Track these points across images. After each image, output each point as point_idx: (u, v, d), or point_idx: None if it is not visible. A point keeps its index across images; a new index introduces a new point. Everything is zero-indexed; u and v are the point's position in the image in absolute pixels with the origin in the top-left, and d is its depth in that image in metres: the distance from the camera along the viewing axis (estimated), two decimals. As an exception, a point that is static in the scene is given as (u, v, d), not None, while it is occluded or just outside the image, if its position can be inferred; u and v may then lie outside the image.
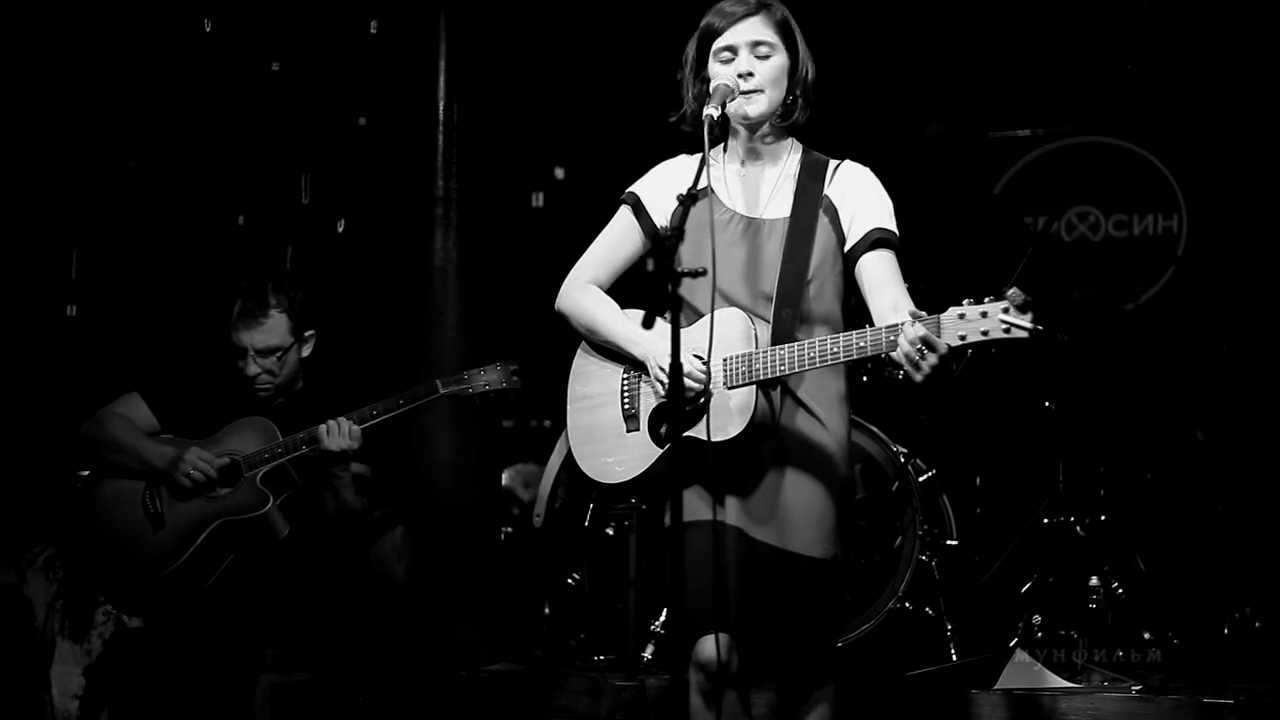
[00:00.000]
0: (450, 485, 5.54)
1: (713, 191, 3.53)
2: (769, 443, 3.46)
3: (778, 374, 3.37)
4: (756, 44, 3.47)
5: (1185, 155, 6.92)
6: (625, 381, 3.57)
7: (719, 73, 3.48)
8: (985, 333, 3.10)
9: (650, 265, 3.71)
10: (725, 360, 3.41)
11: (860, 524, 5.04)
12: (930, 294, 3.55)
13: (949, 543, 5.23)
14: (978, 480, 5.75)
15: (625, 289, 3.68)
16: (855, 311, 3.60)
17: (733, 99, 3.47)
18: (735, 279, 3.50)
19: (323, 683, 4.64)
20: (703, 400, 3.39)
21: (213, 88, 6.46)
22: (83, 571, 4.82)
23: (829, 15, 3.61)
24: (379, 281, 6.09)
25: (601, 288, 3.65)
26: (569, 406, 3.66)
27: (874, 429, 5.16)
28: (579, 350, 3.68)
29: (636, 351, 3.51)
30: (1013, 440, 5.81)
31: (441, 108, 5.66)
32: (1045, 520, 5.59)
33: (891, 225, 3.53)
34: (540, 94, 6.85)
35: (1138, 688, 4.57)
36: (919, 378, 3.18)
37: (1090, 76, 6.98)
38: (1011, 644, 5.00)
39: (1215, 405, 6.41)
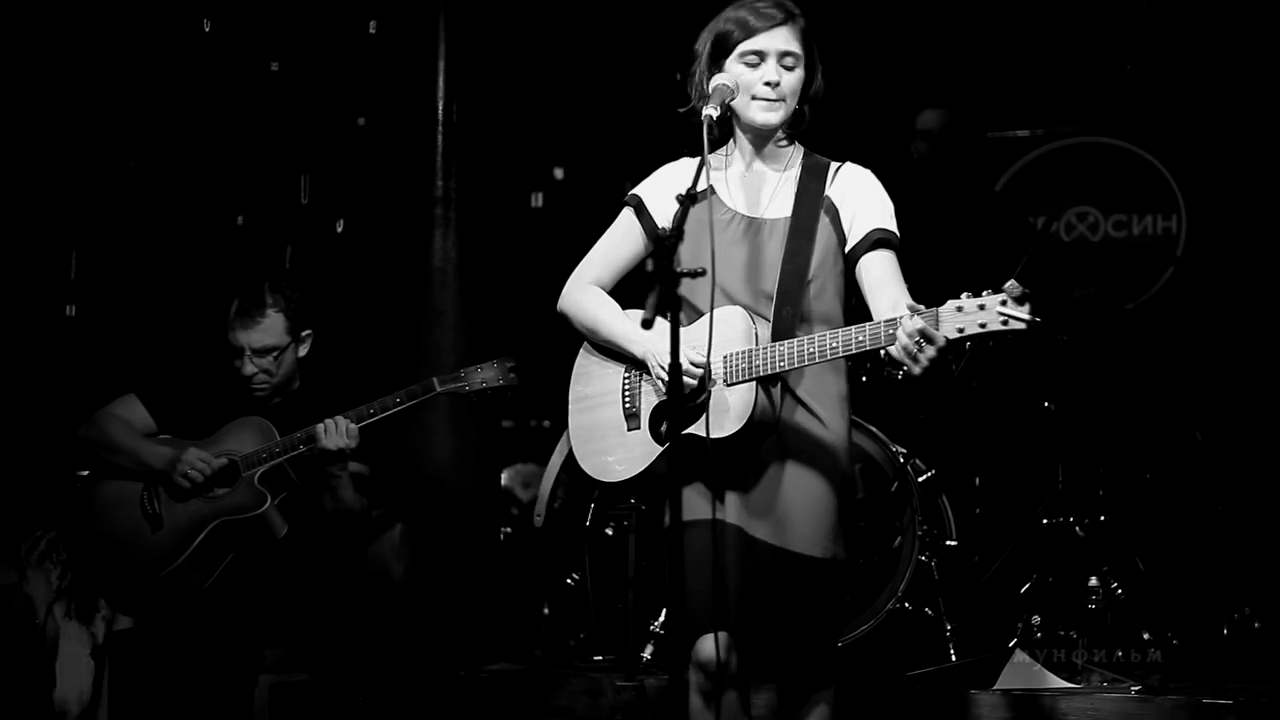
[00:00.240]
0: (449, 485, 5.54)
1: (714, 191, 3.55)
2: (769, 441, 3.47)
3: (778, 370, 3.38)
4: (785, 54, 3.48)
5: (1184, 156, 6.93)
6: (626, 380, 3.58)
7: (742, 75, 3.48)
8: (983, 325, 3.11)
9: (650, 265, 3.72)
10: (725, 357, 3.41)
11: (860, 524, 5.04)
12: (931, 292, 3.55)
13: (948, 543, 5.23)
14: (977, 480, 5.75)
15: (627, 289, 3.68)
16: (855, 312, 3.61)
17: (731, 99, 3.47)
18: (736, 278, 3.51)
19: (322, 683, 4.64)
20: (702, 398, 3.39)
21: (212, 88, 6.46)
22: (82, 566, 4.82)
23: (828, 15, 3.60)
24: (378, 281, 6.09)
25: (603, 288, 3.65)
26: (570, 407, 3.66)
27: (873, 429, 5.15)
28: (581, 351, 3.68)
29: (637, 351, 3.51)
30: (1012, 440, 5.81)
31: (441, 108, 5.66)
32: (1044, 520, 5.58)
33: (892, 226, 3.54)
34: (539, 94, 6.85)
35: (1137, 688, 4.57)
36: (917, 370, 3.19)
37: (1089, 77, 6.98)
38: (1011, 644, 5.00)
39: (1214, 405, 6.41)
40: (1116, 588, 5.34)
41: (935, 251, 4.40)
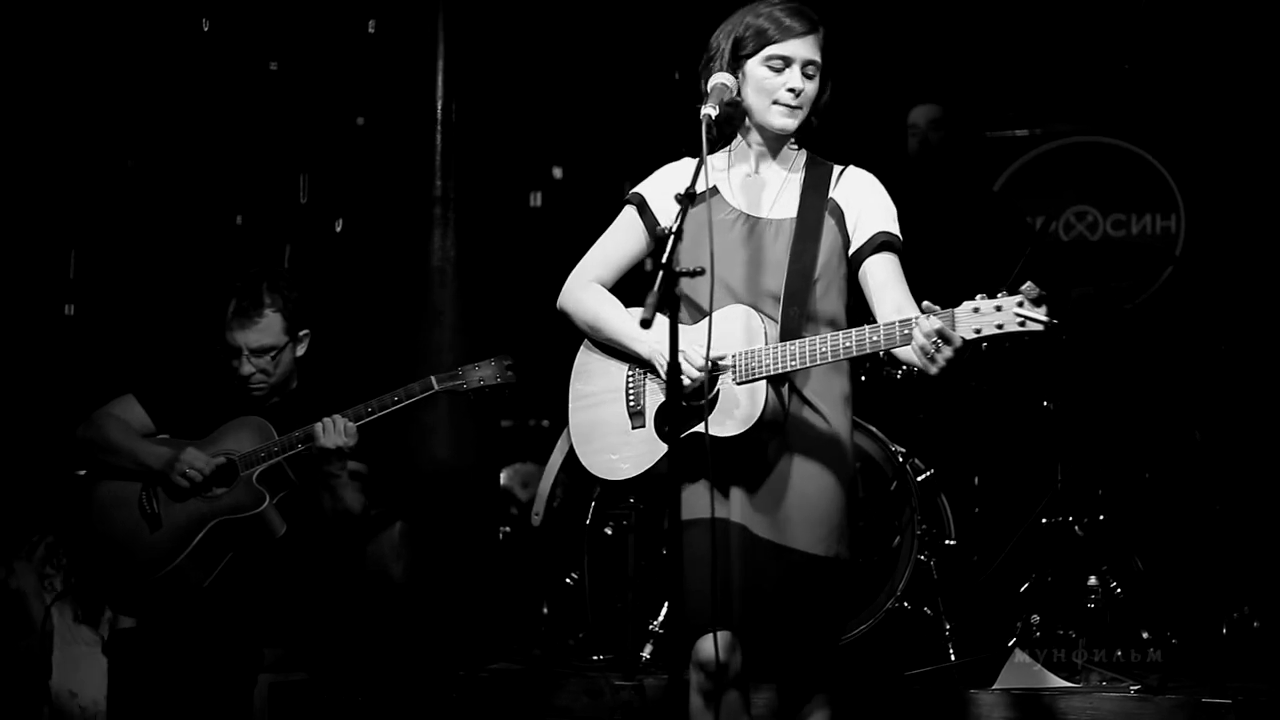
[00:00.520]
0: (448, 484, 5.54)
1: (718, 191, 3.57)
2: (776, 440, 3.47)
3: (789, 369, 3.39)
4: (808, 63, 3.50)
5: (1183, 155, 6.93)
6: (630, 378, 3.58)
7: (765, 79, 3.48)
8: (1000, 326, 3.13)
9: (649, 265, 3.72)
10: (734, 356, 3.42)
11: (859, 524, 5.04)
12: (927, 291, 3.55)
13: (947, 542, 5.23)
14: (976, 480, 5.74)
15: (626, 289, 3.68)
16: (855, 314, 3.61)
17: (729, 97, 3.47)
18: (741, 277, 3.52)
19: (321, 682, 4.64)
20: (709, 396, 3.39)
21: (211, 87, 6.46)
22: (82, 566, 4.82)
23: (827, 15, 3.60)
24: (377, 281, 6.10)
25: (604, 286, 3.65)
26: (571, 404, 3.66)
27: (872, 429, 5.15)
28: (581, 348, 3.68)
29: (642, 349, 3.51)
30: (1011, 440, 5.81)
31: (440, 107, 5.65)
32: (1044, 520, 5.59)
33: (896, 230, 3.57)
34: (538, 94, 6.85)
35: (1136, 687, 4.57)
36: (934, 370, 3.21)
37: (1088, 76, 6.98)
38: (1010, 644, 5.00)
39: (1213, 405, 6.41)
40: (1116, 587, 5.34)
41: (931, 251, 4.39)
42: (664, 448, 3.48)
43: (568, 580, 6.02)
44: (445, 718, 4.93)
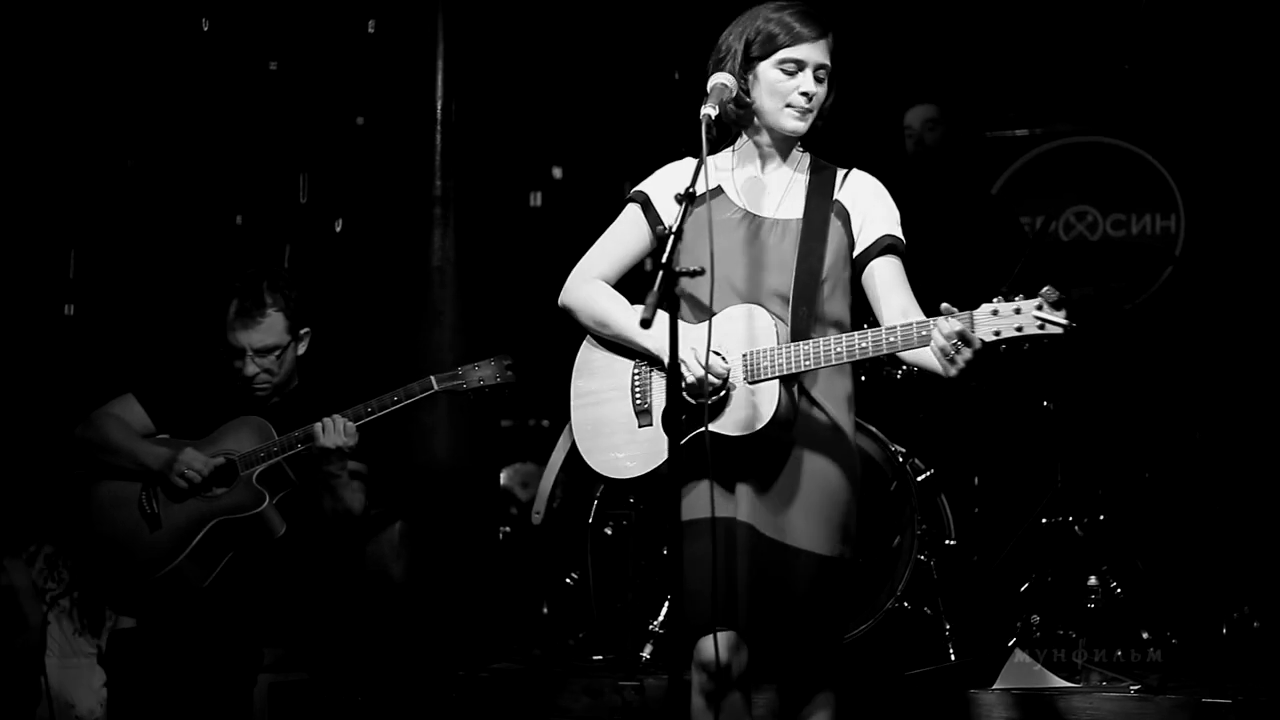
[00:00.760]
0: (448, 484, 5.54)
1: (722, 190, 3.58)
2: (784, 440, 3.47)
3: (803, 369, 3.39)
4: (820, 67, 3.51)
5: (1183, 155, 6.93)
6: (636, 376, 3.57)
7: (777, 82, 3.49)
8: (1019, 329, 3.15)
9: (649, 265, 3.71)
10: (746, 355, 3.42)
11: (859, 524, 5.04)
12: (924, 292, 3.56)
13: (947, 542, 5.23)
14: (976, 480, 5.75)
15: (629, 289, 3.67)
16: (857, 315, 3.62)
17: (729, 97, 3.48)
18: (746, 277, 3.52)
19: (321, 682, 4.63)
20: (719, 396, 3.39)
21: (210, 87, 6.46)
22: (81, 566, 4.82)
23: (827, 14, 3.61)
24: (377, 281, 6.10)
25: (608, 284, 3.65)
26: (574, 401, 3.64)
27: (872, 429, 5.15)
28: (584, 344, 3.66)
29: (651, 345, 3.50)
30: (1011, 440, 5.81)
31: (439, 107, 5.65)
32: (1044, 520, 5.59)
33: (900, 233, 3.58)
34: (538, 93, 6.85)
35: (1136, 687, 4.57)
36: (953, 372, 3.23)
37: (1088, 76, 6.98)
38: (1010, 644, 5.00)
39: (1214, 405, 6.41)
40: (1116, 587, 5.34)
41: (927, 252, 4.39)
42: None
43: (568, 580, 6.02)
44: (445, 718, 4.93)
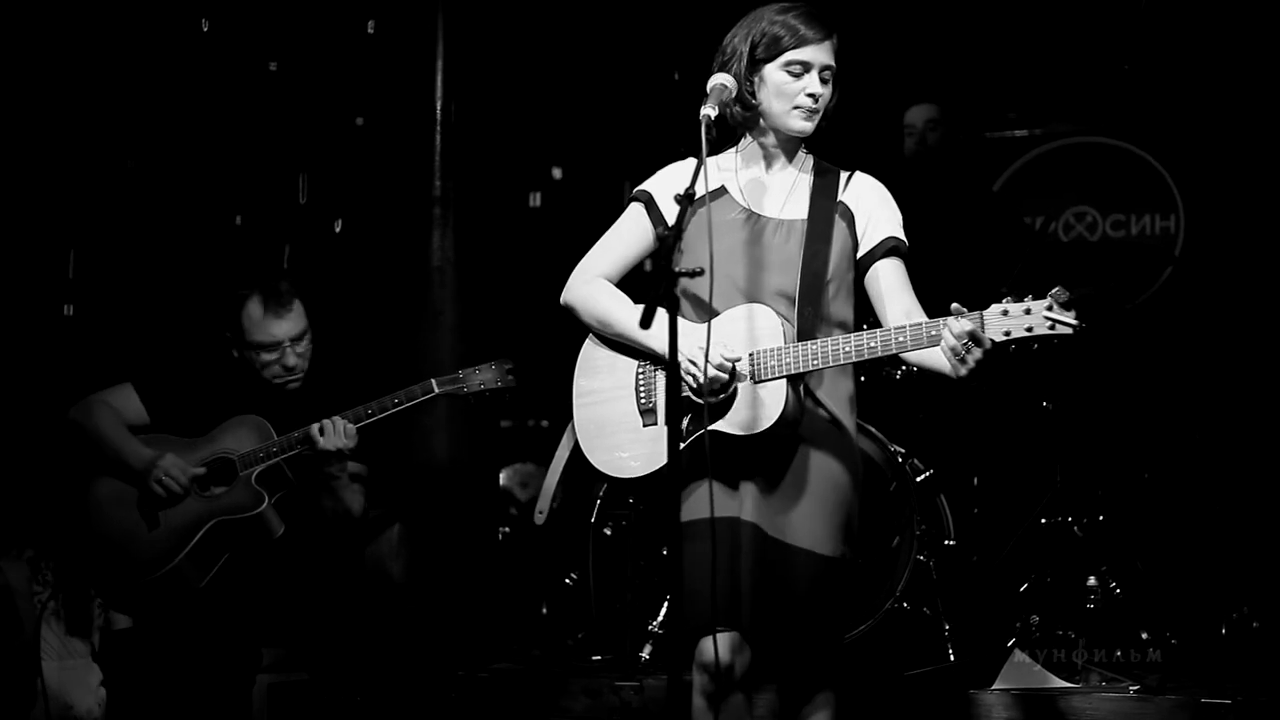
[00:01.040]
0: (448, 484, 5.54)
1: (725, 190, 3.59)
2: (789, 439, 3.47)
3: (811, 368, 3.40)
4: (825, 68, 3.53)
5: (1182, 155, 6.92)
6: (640, 375, 3.57)
7: (783, 83, 3.50)
8: (1030, 329, 3.17)
9: (649, 265, 3.72)
10: (753, 355, 3.42)
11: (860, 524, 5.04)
12: (927, 292, 3.56)
13: (947, 543, 5.23)
14: (975, 480, 5.75)
15: (629, 290, 3.67)
16: (859, 316, 3.62)
17: (729, 95, 3.48)
18: (749, 277, 3.52)
19: (320, 683, 4.63)
20: (726, 395, 3.39)
21: (210, 88, 6.46)
22: (75, 570, 4.81)
23: (827, 15, 3.61)
24: (376, 281, 6.10)
25: (610, 283, 3.65)
26: (576, 400, 3.63)
27: (871, 429, 5.15)
28: (586, 343, 3.66)
29: (656, 344, 3.50)
30: (1011, 440, 5.81)
31: (439, 107, 5.65)
32: (1043, 520, 5.59)
33: (903, 236, 3.60)
34: (538, 94, 6.85)
35: (1135, 688, 4.57)
36: (963, 372, 3.25)
37: (1087, 77, 6.98)
38: (1010, 644, 5.00)
39: (1214, 405, 6.41)
40: (1115, 587, 5.34)
41: (930, 251, 4.39)
42: (677, 446, 3.47)
43: (567, 580, 6.01)
44: (445, 718, 4.93)
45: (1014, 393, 5.74)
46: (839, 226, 3.57)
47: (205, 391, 4.63)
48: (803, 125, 3.54)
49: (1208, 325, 6.57)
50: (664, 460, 3.46)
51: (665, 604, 5.12)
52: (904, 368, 5.33)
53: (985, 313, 3.21)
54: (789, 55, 3.50)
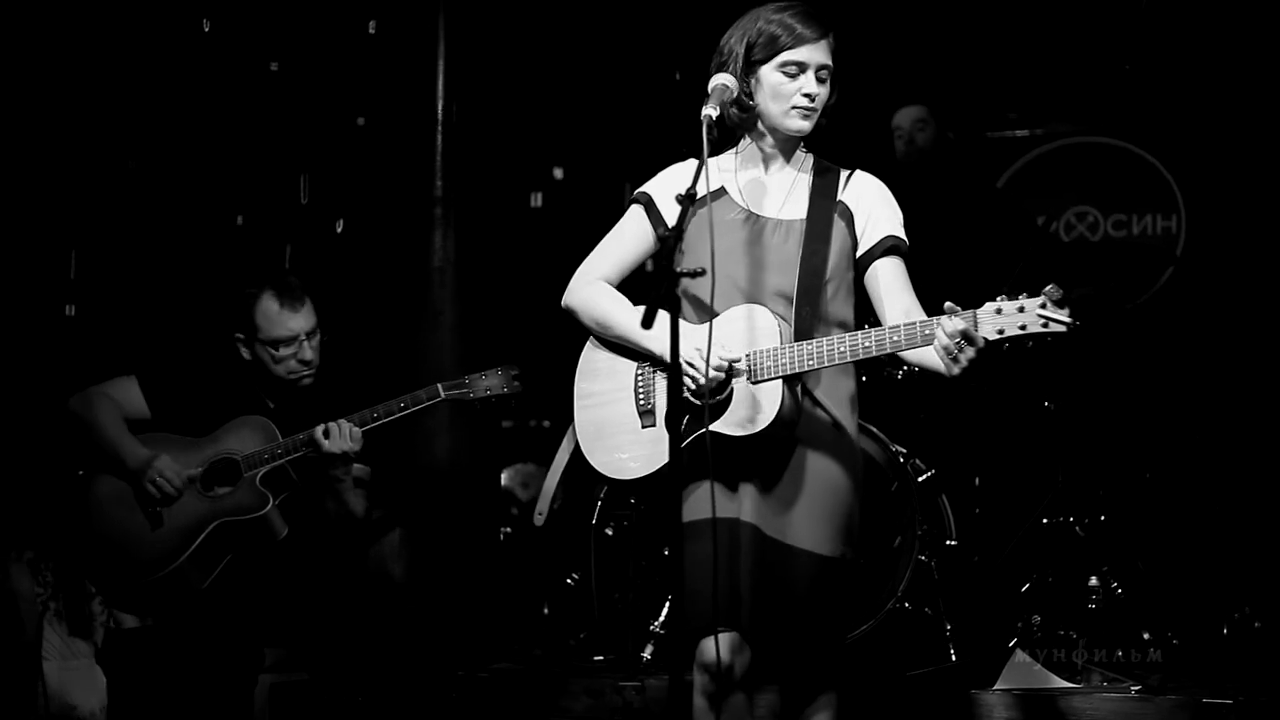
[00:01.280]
0: (449, 485, 5.54)
1: (725, 191, 3.58)
2: (787, 440, 3.47)
3: (807, 368, 3.39)
4: (822, 68, 3.51)
5: (1184, 155, 6.93)
6: (640, 377, 3.57)
7: (779, 84, 3.49)
8: (1023, 327, 3.16)
9: (650, 265, 3.72)
10: (749, 355, 3.42)
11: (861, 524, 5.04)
12: (928, 292, 3.56)
13: (948, 543, 5.23)
14: (977, 480, 5.75)
15: (629, 290, 3.67)
16: (861, 319, 3.62)
17: (730, 96, 3.48)
18: (750, 277, 3.52)
19: (322, 683, 4.64)
20: (724, 395, 3.39)
21: (211, 88, 6.46)
22: (76, 570, 4.81)
23: (827, 15, 3.61)
24: (377, 281, 6.10)
25: (610, 285, 3.65)
26: (577, 403, 3.64)
27: (873, 429, 5.15)
28: (587, 346, 3.66)
29: (655, 347, 3.50)
30: (1012, 440, 5.81)
31: (440, 108, 5.65)
32: (1044, 520, 5.58)
33: (903, 234, 3.59)
34: (539, 94, 6.85)
35: (1137, 688, 4.57)
36: (956, 371, 3.24)
37: (1089, 77, 6.98)
38: (1011, 644, 5.00)
39: (1214, 405, 6.41)
40: (1117, 587, 5.34)
41: (930, 251, 4.40)
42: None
43: (568, 581, 6.01)
44: (445, 718, 4.93)
45: (1015, 393, 5.73)
46: (838, 226, 3.56)
47: (208, 391, 4.62)
48: (800, 125, 3.54)
49: (1208, 325, 6.58)
50: (663, 461, 3.47)
51: (667, 604, 5.12)
52: (905, 368, 5.33)
53: (979, 311, 3.20)
54: (784, 56, 3.49)
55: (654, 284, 3.16)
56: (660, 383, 3.53)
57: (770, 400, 3.40)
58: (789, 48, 3.49)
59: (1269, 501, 5.97)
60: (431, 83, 5.66)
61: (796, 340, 3.42)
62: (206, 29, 6.40)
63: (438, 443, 5.52)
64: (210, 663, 4.44)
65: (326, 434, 4.37)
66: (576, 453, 3.62)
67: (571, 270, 3.69)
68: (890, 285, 3.54)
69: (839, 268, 3.55)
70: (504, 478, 7.06)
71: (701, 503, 3.39)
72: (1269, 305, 6.42)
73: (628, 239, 3.67)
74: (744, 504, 3.46)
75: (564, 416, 3.67)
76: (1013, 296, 3.17)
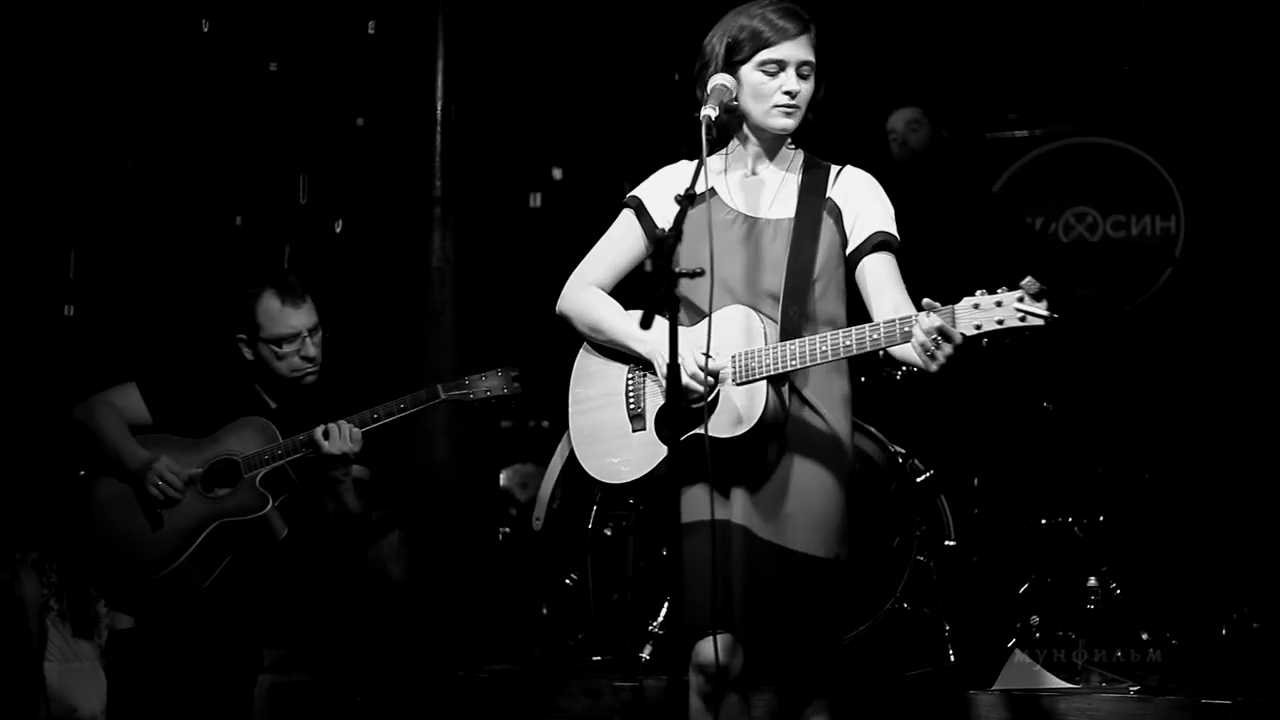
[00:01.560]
0: (448, 485, 5.54)
1: (715, 193, 3.57)
2: (776, 441, 3.47)
3: (789, 369, 3.38)
4: (803, 64, 3.49)
5: (1183, 156, 6.93)
6: (630, 381, 3.57)
7: (762, 83, 3.48)
8: (1001, 321, 3.13)
9: (649, 266, 3.72)
10: (734, 356, 3.41)
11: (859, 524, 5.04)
12: (923, 295, 3.56)
13: (947, 543, 5.23)
14: (976, 481, 5.74)
15: (626, 291, 3.67)
16: (854, 315, 3.61)
17: (731, 99, 3.47)
18: (740, 278, 3.52)
19: (321, 683, 4.63)
20: (710, 397, 3.39)
21: (210, 88, 6.46)
22: (78, 571, 4.81)
23: (825, 15, 3.61)
24: (376, 282, 6.10)
25: (603, 290, 3.65)
26: (571, 408, 3.65)
27: (872, 429, 5.15)
28: (581, 351, 3.68)
29: (642, 350, 3.50)
30: (1011, 441, 5.81)
31: (439, 108, 5.65)
32: (1043, 521, 5.58)
33: (893, 229, 3.56)
34: (538, 94, 6.85)
35: (1136, 688, 4.57)
36: (934, 368, 3.21)
37: (1088, 77, 6.98)
38: (1010, 644, 5.00)
39: (1213, 406, 6.41)
40: (1115, 588, 5.33)
41: (928, 252, 4.40)
42: (664, 450, 3.48)
43: (568, 581, 6.01)
44: (445, 718, 4.93)
45: (1015, 393, 5.73)
46: (826, 223, 3.54)
47: (209, 393, 4.63)
48: (784, 124, 3.52)
49: (1207, 326, 6.58)
50: (653, 464, 3.49)
51: (665, 605, 5.12)
52: (904, 368, 5.33)
53: (957, 306, 3.17)
54: (763, 54, 3.47)
55: (653, 285, 3.16)
56: (650, 386, 3.54)
57: (756, 401, 3.39)
58: (766, 45, 3.47)
59: (1268, 501, 5.97)
60: (431, 83, 5.66)
61: (786, 340, 3.41)
62: (206, 29, 6.40)
63: (437, 443, 5.52)
64: (210, 663, 4.44)
65: (326, 435, 4.38)
66: (572, 458, 3.63)
67: (571, 271, 3.70)
68: (879, 281, 3.51)
69: (828, 266, 3.54)
70: (503, 478, 7.06)
71: (692, 505, 3.39)
72: (1268, 305, 6.42)
73: (620, 243, 3.67)
74: (734, 506, 3.46)
75: (563, 418, 3.69)
76: (991, 290, 3.14)
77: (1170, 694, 4.50)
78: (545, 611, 6.11)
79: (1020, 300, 3.10)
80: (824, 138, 3.65)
